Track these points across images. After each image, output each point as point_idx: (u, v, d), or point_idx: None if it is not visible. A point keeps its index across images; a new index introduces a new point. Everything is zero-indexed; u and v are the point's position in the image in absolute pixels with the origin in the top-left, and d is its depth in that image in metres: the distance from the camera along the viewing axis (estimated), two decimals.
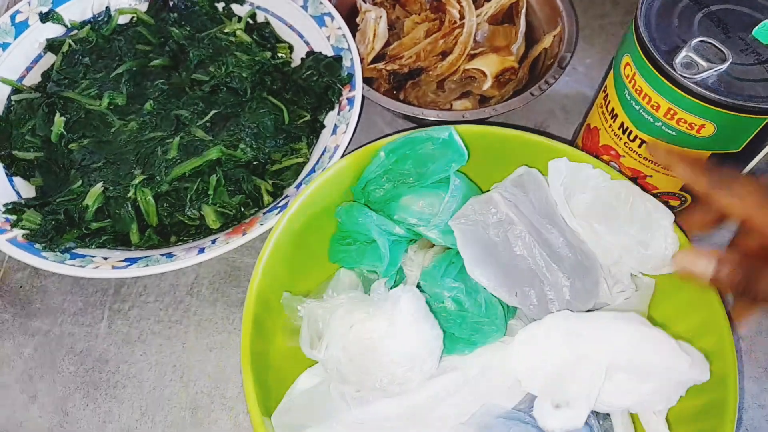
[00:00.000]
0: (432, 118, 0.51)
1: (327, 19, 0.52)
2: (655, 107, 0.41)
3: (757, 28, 0.42)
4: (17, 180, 0.47)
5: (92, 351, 0.48)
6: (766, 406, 0.45)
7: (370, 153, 0.40)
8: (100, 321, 0.49)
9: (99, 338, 0.48)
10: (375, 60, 0.56)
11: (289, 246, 0.38)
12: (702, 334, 0.36)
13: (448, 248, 0.40)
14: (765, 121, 0.38)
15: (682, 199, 0.47)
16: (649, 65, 0.40)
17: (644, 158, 0.44)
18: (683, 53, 0.39)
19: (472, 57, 0.56)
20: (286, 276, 0.38)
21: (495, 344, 0.36)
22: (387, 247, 0.38)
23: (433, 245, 0.42)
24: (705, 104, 0.38)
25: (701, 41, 0.41)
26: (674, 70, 0.38)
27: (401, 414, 0.34)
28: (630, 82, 0.42)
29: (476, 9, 0.57)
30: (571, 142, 0.55)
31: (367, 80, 0.56)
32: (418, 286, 0.39)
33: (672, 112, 0.40)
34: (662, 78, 0.39)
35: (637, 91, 0.42)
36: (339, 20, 0.51)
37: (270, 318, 0.37)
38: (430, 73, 0.56)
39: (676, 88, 0.38)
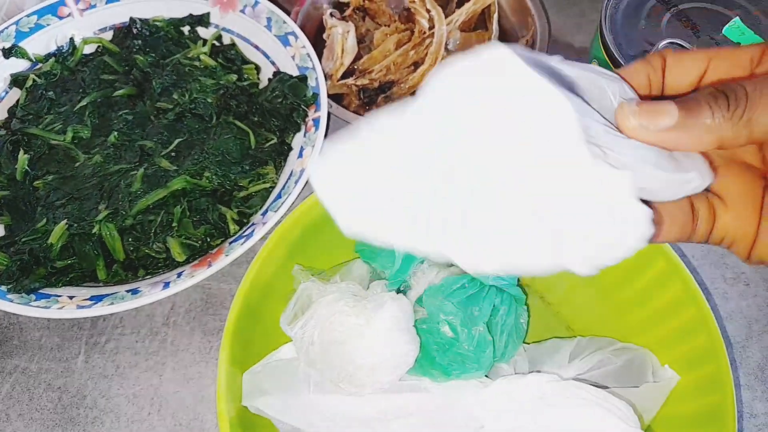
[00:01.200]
0: None
1: (291, 38, 0.51)
2: None
3: (727, 25, 0.41)
4: None
5: (69, 386, 0.47)
6: (758, 415, 0.44)
7: None
8: (77, 356, 0.48)
9: (76, 373, 0.48)
10: (345, 75, 0.55)
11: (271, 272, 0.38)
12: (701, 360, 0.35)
13: (465, 273, 0.39)
14: None
15: None
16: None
17: None
18: None
19: None
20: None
21: (472, 382, 0.35)
22: (401, 253, 0.37)
23: (452, 265, 0.41)
24: None
25: (669, 43, 0.40)
26: None
27: (352, 416, 0.33)
28: None
29: (447, 16, 0.56)
30: None
31: (337, 97, 0.55)
32: (420, 300, 0.38)
33: None
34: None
35: None
36: (303, 39, 0.50)
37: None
38: (402, 85, 0.55)
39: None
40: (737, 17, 0.41)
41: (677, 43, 0.40)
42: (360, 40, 0.58)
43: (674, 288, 0.36)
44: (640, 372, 0.36)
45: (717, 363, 0.33)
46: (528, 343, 0.41)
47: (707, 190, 0.25)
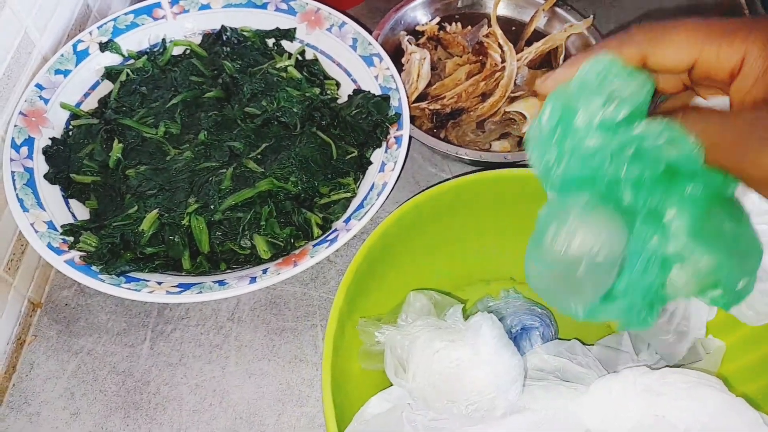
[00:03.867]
0: (470, 158, 0.53)
1: (375, 59, 0.54)
2: None
3: None
4: (72, 202, 0.49)
5: (134, 371, 0.49)
6: None
7: (441, 191, 0.41)
8: (142, 342, 0.50)
9: (141, 359, 0.49)
10: (418, 99, 0.58)
11: (366, 273, 0.39)
12: None
13: None
14: None
15: None
16: None
17: None
18: None
19: (512, 99, 0.58)
20: (361, 301, 0.40)
21: (569, 390, 0.36)
22: None
23: None
24: None
25: None
26: None
27: None
28: None
29: (517, 53, 0.59)
30: None
31: (410, 118, 0.58)
32: None
33: None
34: None
35: None
36: (387, 61, 0.53)
37: (346, 341, 0.38)
38: (471, 113, 0.58)
39: None
40: None
41: None
42: (432, 68, 0.60)
43: None
44: (693, 348, 0.38)
45: None
46: (586, 344, 0.43)
47: None
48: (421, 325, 0.37)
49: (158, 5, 0.58)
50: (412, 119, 0.58)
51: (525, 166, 0.54)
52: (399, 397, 0.37)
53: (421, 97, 0.59)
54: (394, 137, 0.50)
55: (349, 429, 0.35)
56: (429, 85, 0.60)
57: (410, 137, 0.53)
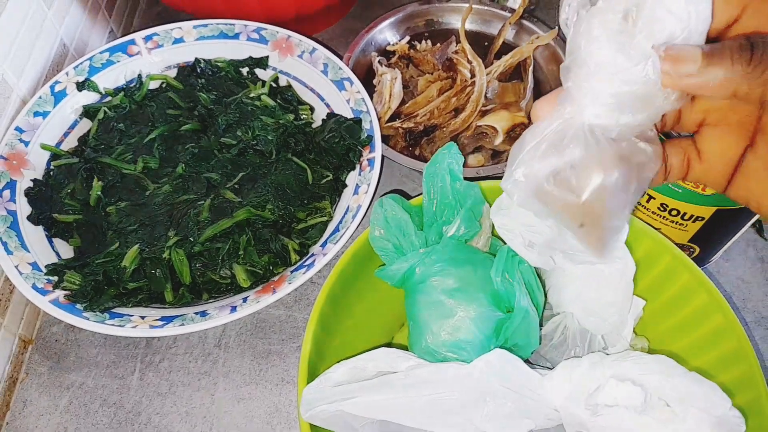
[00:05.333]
0: None
1: (346, 83, 0.55)
2: None
3: None
4: (56, 241, 0.50)
5: (125, 403, 0.50)
6: None
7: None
8: (132, 373, 0.51)
9: (131, 390, 0.50)
10: (391, 118, 0.60)
11: (340, 296, 0.40)
12: (727, 366, 0.37)
13: None
14: None
15: (691, 250, 0.48)
16: None
17: (653, 212, 0.46)
18: None
19: (483, 113, 0.59)
20: (338, 322, 0.40)
21: (533, 373, 0.35)
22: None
23: None
24: None
25: None
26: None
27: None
28: None
29: (486, 67, 0.61)
30: None
31: (384, 138, 0.59)
32: None
33: None
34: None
35: None
36: (358, 84, 0.54)
37: (324, 365, 0.38)
38: (444, 129, 0.59)
39: None
40: None
41: None
42: (404, 86, 0.62)
43: (700, 299, 0.38)
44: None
45: (747, 363, 0.35)
46: None
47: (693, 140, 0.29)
48: None
49: (132, 42, 0.59)
50: (387, 139, 0.59)
51: (498, 178, 0.55)
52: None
53: (395, 117, 0.60)
54: (367, 159, 0.51)
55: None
56: (403, 103, 0.61)
57: (385, 157, 0.54)
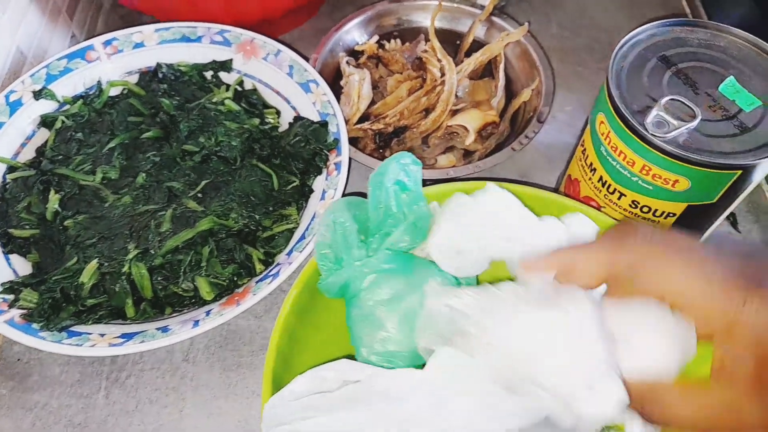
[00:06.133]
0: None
1: (312, 85, 0.54)
2: (630, 163, 0.42)
3: (722, 84, 0.44)
4: (13, 257, 0.48)
5: (90, 423, 0.48)
6: None
7: None
8: (97, 391, 0.49)
9: (97, 409, 0.48)
10: (361, 120, 0.58)
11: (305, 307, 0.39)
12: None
13: None
14: (737, 175, 0.40)
15: None
16: (622, 125, 0.41)
17: (625, 209, 0.45)
18: (654, 112, 0.40)
19: (454, 113, 0.58)
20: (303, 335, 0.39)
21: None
22: None
23: None
24: (678, 162, 0.39)
25: (671, 99, 0.43)
26: (646, 130, 0.40)
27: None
28: (605, 140, 0.44)
29: (456, 65, 0.60)
30: (556, 190, 0.56)
31: (353, 140, 0.58)
32: None
33: (647, 168, 0.41)
34: (635, 137, 0.41)
35: (613, 148, 0.43)
36: (324, 86, 0.53)
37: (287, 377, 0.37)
38: (414, 130, 0.58)
39: (649, 147, 0.40)
40: (732, 76, 0.44)
41: (678, 99, 0.43)
42: (374, 86, 0.61)
43: None
44: None
45: None
46: None
47: None
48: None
49: (91, 47, 0.57)
50: (356, 141, 0.58)
51: (470, 179, 0.54)
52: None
53: (365, 118, 0.59)
54: (334, 163, 0.50)
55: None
56: (373, 103, 0.60)
57: (353, 160, 0.53)
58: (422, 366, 0.32)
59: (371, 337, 0.34)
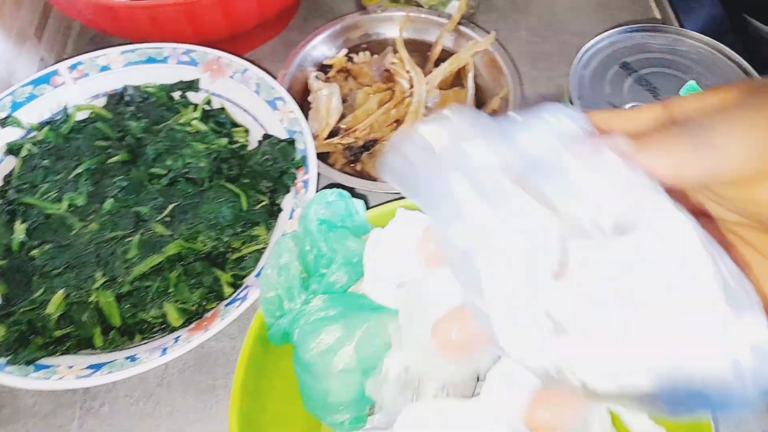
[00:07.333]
0: (386, 191, 0.52)
1: (279, 102, 0.54)
2: None
3: (682, 88, 0.44)
4: None
5: None
6: None
7: None
8: (71, 422, 0.49)
9: None
10: (331, 134, 0.58)
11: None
12: None
13: None
14: None
15: None
16: None
17: None
18: None
19: None
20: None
21: None
22: None
23: None
24: None
25: (633, 106, 0.43)
26: None
27: None
28: None
29: (425, 75, 0.59)
30: None
31: (324, 155, 0.57)
32: None
33: None
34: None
35: None
36: (291, 104, 0.53)
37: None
38: (385, 143, 0.57)
39: None
40: (692, 80, 0.44)
41: (639, 106, 0.43)
42: (343, 100, 0.60)
43: None
44: None
45: None
46: None
47: None
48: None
49: (56, 73, 0.57)
50: (327, 156, 0.57)
51: None
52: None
53: (334, 132, 0.58)
54: (302, 181, 0.49)
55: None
56: (344, 117, 0.60)
57: (322, 176, 0.53)
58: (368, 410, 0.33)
59: (310, 389, 0.33)
